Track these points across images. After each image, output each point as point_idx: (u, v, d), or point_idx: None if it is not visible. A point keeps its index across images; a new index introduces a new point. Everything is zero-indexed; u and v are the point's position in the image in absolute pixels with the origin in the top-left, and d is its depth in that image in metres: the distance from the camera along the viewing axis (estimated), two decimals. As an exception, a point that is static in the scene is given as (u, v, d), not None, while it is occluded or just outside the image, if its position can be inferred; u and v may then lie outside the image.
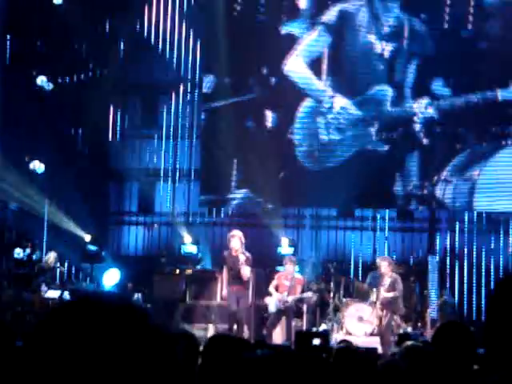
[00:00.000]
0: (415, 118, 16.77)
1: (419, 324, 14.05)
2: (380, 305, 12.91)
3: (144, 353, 1.42)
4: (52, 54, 16.41)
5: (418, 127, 16.80)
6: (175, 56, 17.08)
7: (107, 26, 16.77)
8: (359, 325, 13.46)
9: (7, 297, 13.91)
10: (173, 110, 16.92)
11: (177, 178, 16.82)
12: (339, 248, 16.09)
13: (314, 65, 17.32)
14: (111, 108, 16.84)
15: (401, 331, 12.99)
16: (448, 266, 15.51)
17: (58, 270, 14.68)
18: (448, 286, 15.10)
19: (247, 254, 13.23)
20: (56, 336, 1.42)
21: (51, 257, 14.77)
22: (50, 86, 16.14)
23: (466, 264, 15.69)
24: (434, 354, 4.03)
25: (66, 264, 15.92)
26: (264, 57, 17.20)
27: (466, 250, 15.76)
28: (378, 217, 16.22)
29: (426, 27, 17.05)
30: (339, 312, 13.93)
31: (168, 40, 17.02)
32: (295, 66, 17.39)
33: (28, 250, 15.48)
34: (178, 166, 16.82)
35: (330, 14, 17.42)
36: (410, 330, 13.51)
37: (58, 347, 1.40)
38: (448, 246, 15.85)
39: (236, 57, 17.10)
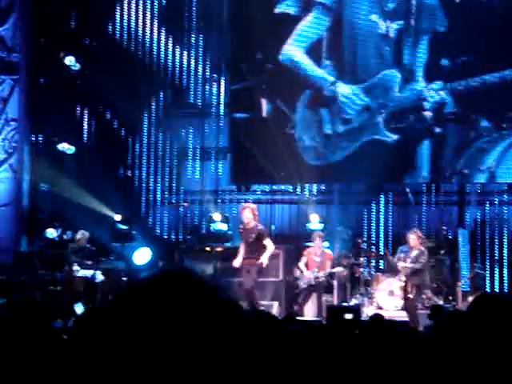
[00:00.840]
0: (426, 104, 15.71)
1: (450, 297, 14.02)
2: (404, 277, 12.87)
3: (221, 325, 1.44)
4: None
5: (429, 114, 15.71)
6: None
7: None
8: (390, 299, 13.46)
9: (39, 276, 14.05)
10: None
11: (205, 156, 16.83)
12: (369, 222, 16.05)
13: (313, 50, 16.25)
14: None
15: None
16: (479, 239, 15.42)
17: (89, 249, 14.78)
18: (479, 258, 15.03)
19: (261, 226, 13.05)
20: (141, 305, 1.43)
21: (82, 236, 14.88)
22: (76, 67, 16.20)
23: (496, 236, 15.60)
24: (472, 326, 4.03)
25: (97, 243, 16.03)
26: (258, 41, 16.18)
27: (496, 222, 15.66)
28: (408, 191, 16.10)
29: (435, 0, 15.85)
30: (370, 286, 13.94)
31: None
32: (292, 54, 16.31)
33: (59, 230, 15.62)
34: (205, 145, 16.83)
35: None
36: (441, 303, 13.49)
37: (143, 316, 1.42)
38: (479, 219, 15.75)
39: (227, 42, 16.53)
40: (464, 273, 14.05)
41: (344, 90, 16.11)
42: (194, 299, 1.44)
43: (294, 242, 15.23)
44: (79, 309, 13.06)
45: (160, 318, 1.42)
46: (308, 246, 14.13)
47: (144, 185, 16.88)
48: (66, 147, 16.08)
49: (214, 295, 1.47)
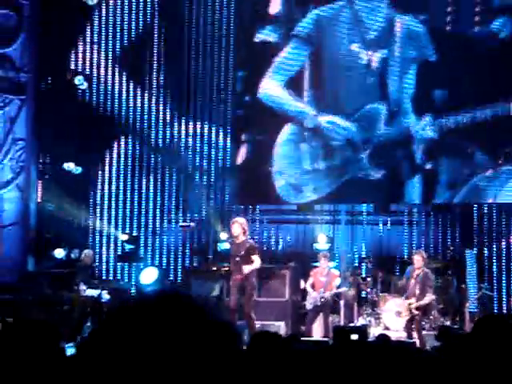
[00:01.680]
0: (414, 139, 14.91)
1: (457, 318, 13.96)
2: (412, 299, 12.90)
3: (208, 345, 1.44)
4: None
5: (419, 149, 14.89)
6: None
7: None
8: (397, 319, 13.40)
9: (46, 296, 14.05)
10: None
11: (213, 176, 16.83)
12: (375, 243, 16.02)
13: (294, 83, 15.48)
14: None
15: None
16: (486, 259, 15.36)
17: (96, 268, 14.79)
18: (486, 279, 14.97)
19: (250, 241, 12.81)
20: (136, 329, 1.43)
21: (88, 256, 14.89)
22: (84, 85, 16.27)
23: (504, 257, 15.54)
24: (475, 348, 4.01)
25: (103, 263, 16.04)
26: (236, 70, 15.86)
27: (503, 242, 15.60)
28: (415, 211, 16.05)
29: (423, 26, 14.89)
30: (377, 307, 13.89)
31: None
32: (270, 89, 15.61)
33: (66, 250, 15.63)
34: (213, 164, 16.83)
35: (305, 22, 15.40)
36: (448, 323, 13.43)
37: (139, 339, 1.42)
38: (485, 239, 15.69)
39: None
40: (471, 293, 13.99)
41: (326, 120, 15.39)
42: (182, 320, 1.44)
43: (300, 261, 15.21)
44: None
45: (148, 339, 1.42)
46: (315, 266, 14.10)
47: (151, 204, 16.87)
48: (71, 167, 16.10)
49: (202, 315, 1.47)
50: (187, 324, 1.44)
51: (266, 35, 15.71)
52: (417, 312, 12.79)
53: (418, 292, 12.91)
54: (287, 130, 15.63)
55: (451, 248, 15.41)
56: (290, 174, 15.66)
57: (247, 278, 12.46)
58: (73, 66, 16.50)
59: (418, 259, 13.01)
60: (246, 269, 12.40)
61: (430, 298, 12.82)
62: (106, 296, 13.93)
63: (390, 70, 15.09)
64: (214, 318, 1.48)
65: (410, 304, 12.82)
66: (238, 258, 12.53)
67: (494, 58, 14.66)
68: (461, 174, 14.97)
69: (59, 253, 15.59)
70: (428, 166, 15.05)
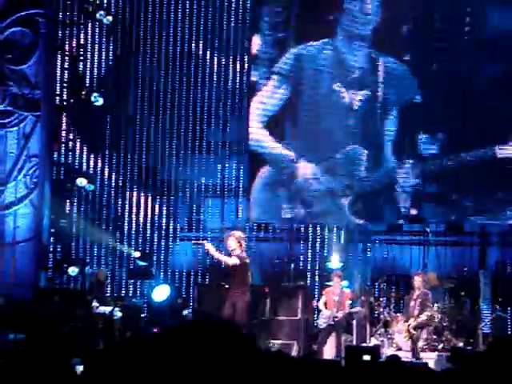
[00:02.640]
0: (397, 185, 14.55)
1: (471, 340, 13.86)
2: (413, 324, 12.95)
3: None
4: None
5: (402, 196, 14.57)
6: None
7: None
8: (410, 340, 13.32)
9: (59, 312, 14.05)
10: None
11: (225, 194, 16.80)
12: (389, 263, 15.93)
13: (273, 123, 15.12)
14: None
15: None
16: (500, 281, 15.26)
17: (108, 285, 14.79)
18: (500, 300, 14.86)
19: (243, 255, 12.49)
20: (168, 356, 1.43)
21: (101, 273, 14.91)
22: (99, 102, 16.31)
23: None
24: (488, 369, 3.97)
25: (116, 280, 16.04)
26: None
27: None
28: (428, 231, 15.96)
29: (406, 68, 14.47)
30: (389, 327, 13.82)
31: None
32: (252, 129, 15.35)
33: (79, 267, 15.65)
34: (226, 183, 16.81)
35: (286, 60, 15.07)
36: (461, 345, 13.35)
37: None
38: (500, 260, 15.60)
39: None
40: (485, 315, 13.90)
41: (304, 170, 14.99)
42: (231, 351, 1.45)
43: (313, 280, 15.17)
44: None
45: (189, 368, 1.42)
46: (327, 286, 14.06)
47: (164, 220, 16.86)
48: (84, 183, 16.10)
49: (251, 346, 1.47)
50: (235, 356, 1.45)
51: (253, 75, 15.51)
52: (414, 332, 12.85)
53: (416, 313, 13.01)
54: (264, 174, 15.35)
55: (465, 268, 15.32)
56: (269, 220, 15.50)
57: (239, 294, 12.34)
58: (88, 83, 16.55)
59: (418, 280, 13.14)
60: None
61: (426, 315, 12.86)
62: (118, 313, 13.92)
63: (371, 112, 14.66)
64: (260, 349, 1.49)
65: (408, 325, 12.90)
66: (231, 273, 12.49)
67: (480, 97, 14.27)
68: (447, 219, 14.78)
69: (73, 270, 15.60)
70: (413, 212, 14.76)
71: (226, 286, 14.63)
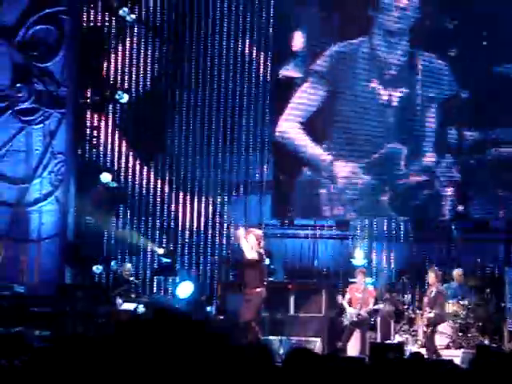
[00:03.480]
0: (438, 181, 14.48)
1: (496, 337, 13.78)
2: (423, 323, 12.92)
3: (213, 365, 1.41)
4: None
5: (448, 191, 14.50)
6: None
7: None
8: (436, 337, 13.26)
9: (83, 309, 14.10)
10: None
11: (249, 190, 16.77)
12: (413, 259, 15.84)
13: (311, 123, 15.05)
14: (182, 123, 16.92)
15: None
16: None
17: (133, 282, 14.83)
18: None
19: (261, 251, 12.67)
20: (129, 347, 1.43)
21: (126, 269, 14.95)
22: (124, 99, 16.33)
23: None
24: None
25: (140, 276, 16.08)
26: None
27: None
28: (453, 228, 15.85)
29: (446, 63, 14.40)
30: (414, 324, 13.76)
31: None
32: (288, 128, 15.25)
33: (103, 264, 15.71)
34: (249, 179, 16.78)
35: (323, 60, 14.99)
36: (486, 342, 13.27)
37: (131, 357, 1.41)
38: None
39: None
40: (511, 312, 13.80)
41: (343, 170, 15.01)
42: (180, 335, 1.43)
43: (337, 277, 15.13)
44: None
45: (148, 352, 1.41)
46: (352, 283, 14.02)
47: (188, 217, 16.86)
48: (108, 179, 16.12)
49: (199, 329, 1.46)
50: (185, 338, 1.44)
51: (289, 71, 15.41)
52: (426, 329, 12.83)
53: (428, 309, 12.94)
54: (304, 174, 15.37)
55: (490, 265, 15.21)
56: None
57: (257, 293, 12.49)
58: (112, 81, 16.59)
59: (432, 276, 13.09)
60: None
61: (434, 312, 12.85)
62: (141, 310, 13.95)
63: (410, 109, 14.62)
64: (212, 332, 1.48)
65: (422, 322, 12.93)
66: (247, 270, 12.60)
67: None
68: (495, 215, 14.64)
69: (97, 267, 15.66)
70: (460, 209, 14.70)
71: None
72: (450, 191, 14.64)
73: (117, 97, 16.26)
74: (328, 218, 15.60)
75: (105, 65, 16.52)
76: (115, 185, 16.29)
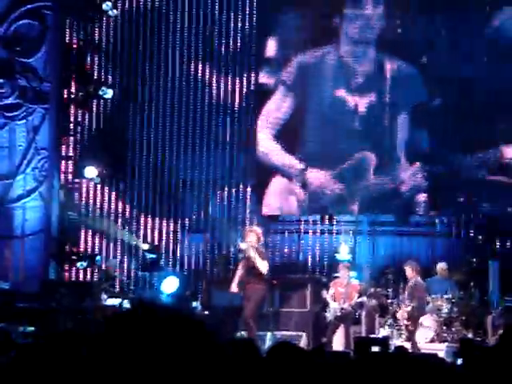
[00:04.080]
0: (406, 189, 14.56)
1: (480, 331, 13.85)
2: (403, 316, 12.99)
3: (199, 360, 1.41)
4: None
5: (418, 199, 14.58)
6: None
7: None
8: (419, 331, 13.32)
9: (67, 305, 14.07)
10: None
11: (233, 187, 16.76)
12: (397, 254, 15.91)
13: (282, 134, 15.10)
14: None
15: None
16: (509, 272, 15.22)
17: (118, 278, 14.82)
18: (509, 292, 14.83)
19: (261, 249, 12.91)
20: (115, 342, 1.43)
21: (111, 265, 14.93)
22: (108, 94, 16.30)
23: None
24: (501, 359, 3.96)
25: (125, 272, 16.06)
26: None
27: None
28: (437, 222, 15.91)
29: (415, 70, 14.40)
30: (398, 318, 13.80)
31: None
32: (261, 139, 15.32)
33: (88, 259, 15.68)
34: (233, 175, 16.77)
35: (290, 69, 15.03)
36: (470, 336, 13.34)
37: (118, 353, 1.41)
38: (509, 251, 15.56)
39: None
40: (494, 306, 13.88)
41: (315, 179, 15.07)
42: (160, 336, 1.43)
43: (322, 272, 15.18)
44: None
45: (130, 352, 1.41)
46: (336, 277, 14.05)
47: (172, 213, 16.86)
48: (92, 175, 16.06)
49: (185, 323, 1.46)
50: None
51: (264, 78, 15.41)
52: (406, 322, 12.91)
53: (407, 303, 13.03)
54: (277, 182, 15.42)
55: (474, 259, 15.29)
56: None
57: (257, 288, 12.50)
58: (96, 76, 16.55)
59: (408, 270, 13.17)
60: (252, 254, 12.51)
61: (411, 305, 12.88)
62: (126, 305, 13.94)
63: (379, 116, 14.59)
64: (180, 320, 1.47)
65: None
66: (251, 265, 12.60)
67: (489, 104, 14.18)
68: (468, 223, 14.77)
69: (81, 264, 15.63)
70: (432, 215, 14.82)
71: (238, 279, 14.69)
72: (420, 199, 14.70)
73: (100, 92, 16.21)
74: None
75: (88, 60, 16.47)
76: (98, 181, 16.23)
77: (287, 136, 15.29)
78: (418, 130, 14.56)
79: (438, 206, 14.90)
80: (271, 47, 15.45)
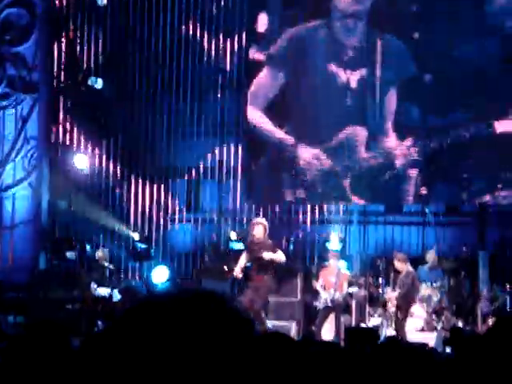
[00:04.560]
0: (398, 163, 14.49)
1: (470, 319, 13.89)
2: (392, 303, 13.01)
3: (227, 337, 1.40)
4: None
5: (410, 174, 14.50)
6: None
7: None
8: (409, 320, 13.34)
9: (57, 295, 14.06)
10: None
11: (223, 176, 16.76)
12: (388, 243, 15.93)
13: (273, 108, 15.06)
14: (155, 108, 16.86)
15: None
16: (499, 260, 15.26)
17: (108, 267, 14.80)
18: (500, 280, 14.87)
19: (269, 241, 13.03)
20: (138, 331, 1.40)
21: (101, 255, 14.90)
22: (98, 84, 16.22)
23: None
24: (491, 349, 3.95)
25: (115, 261, 16.04)
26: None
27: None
28: (427, 212, 15.92)
29: (405, 45, 14.37)
30: (388, 307, 13.83)
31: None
32: (251, 113, 15.28)
33: (78, 249, 15.64)
34: (224, 164, 16.76)
35: (280, 44, 14.99)
36: (460, 324, 13.37)
37: (141, 341, 1.39)
38: (499, 240, 15.59)
39: None
40: (484, 295, 13.91)
41: (305, 153, 14.98)
42: (215, 322, 1.40)
43: (312, 261, 15.18)
44: None
45: (174, 339, 1.39)
46: (324, 266, 14.05)
47: (162, 203, 16.83)
48: (81, 165, 16.02)
49: (235, 317, 1.43)
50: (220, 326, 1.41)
51: (255, 53, 15.40)
52: (393, 309, 12.94)
53: (397, 292, 13.05)
54: (266, 158, 15.39)
55: (464, 249, 15.31)
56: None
57: (265, 280, 12.57)
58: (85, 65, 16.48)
59: (397, 262, 13.18)
60: (268, 255, 12.61)
61: (398, 292, 12.89)
62: (117, 295, 13.93)
63: (370, 90, 14.57)
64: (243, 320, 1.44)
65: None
66: (258, 258, 12.68)
67: (480, 78, 14.17)
68: (457, 199, 14.77)
69: (71, 254, 15.59)
70: (423, 192, 14.75)
71: (225, 268, 14.69)
72: (412, 174, 14.65)
73: (89, 83, 16.13)
74: (291, 202, 15.52)
75: (78, 49, 16.40)
76: (86, 171, 16.18)
77: (277, 111, 15.23)
78: (410, 104, 14.52)
79: (429, 182, 14.82)
80: (262, 22, 15.37)
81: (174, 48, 16.48)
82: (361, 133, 14.66)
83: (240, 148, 16.44)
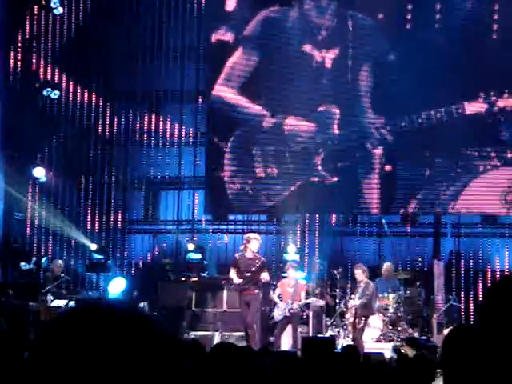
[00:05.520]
0: (369, 142, 14.66)
1: (425, 329, 14.00)
2: (351, 312, 13.05)
3: (150, 360, 1.40)
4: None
5: (376, 152, 14.67)
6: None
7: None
8: (366, 330, 13.40)
9: (12, 306, 13.90)
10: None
11: (182, 186, 16.74)
12: (344, 254, 16.02)
13: (248, 89, 15.20)
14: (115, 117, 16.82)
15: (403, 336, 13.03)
16: (454, 271, 15.43)
17: (64, 279, 14.67)
18: (454, 290, 15.03)
19: (262, 258, 13.09)
20: (61, 344, 1.40)
21: (57, 266, 14.77)
22: (55, 95, 16.12)
23: (471, 268, 15.60)
24: (446, 358, 4.01)
25: (71, 273, 15.91)
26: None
27: (471, 253, 15.67)
28: (384, 222, 16.05)
29: (378, 24, 14.52)
30: (345, 318, 13.89)
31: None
32: (222, 93, 15.38)
33: (34, 260, 15.48)
34: (182, 174, 16.75)
35: (253, 25, 15.14)
36: (416, 335, 13.47)
37: (63, 355, 1.39)
38: (454, 251, 15.76)
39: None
40: (439, 304, 14.04)
41: (288, 121, 15.05)
42: (110, 335, 1.40)
43: (270, 272, 15.18)
44: None
45: (76, 353, 1.38)
46: (283, 277, 14.07)
47: (119, 214, 16.77)
48: (41, 173, 15.91)
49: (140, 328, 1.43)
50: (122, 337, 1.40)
51: (222, 35, 15.47)
52: (351, 319, 12.98)
53: (355, 302, 13.07)
54: (238, 134, 15.39)
55: (420, 259, 15.46)
56: (242, 179, 15.51)
57: (257, 294, 12.73)
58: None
59: (359, 272, 13.19)
60: (267, 276, 12.68)
61: (360, 300, 12.87)
62: (73, 306, 13.81)
63: (343, 69, 14.72)
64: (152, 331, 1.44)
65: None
66: (249, 274, 12.72)
67: (452, 55, 14.34)
68: (421, 176, 14.76)
69: (24, 265, 15.42)
70: (387, 168, 14.83)
71: (183, 279, 14.64)
72: (379, 151, 14.75)
73: (45, 93, 16.01)
74: (262, 178, 15.45)
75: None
76: (44, 179, 16.04)
77: (251, 90, 15.27)
78: (381, 83, 14.64)
79: (394, 160, 14.92)
80: (232, 1, 15.45)
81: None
82: (335, 112, 14.80)
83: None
